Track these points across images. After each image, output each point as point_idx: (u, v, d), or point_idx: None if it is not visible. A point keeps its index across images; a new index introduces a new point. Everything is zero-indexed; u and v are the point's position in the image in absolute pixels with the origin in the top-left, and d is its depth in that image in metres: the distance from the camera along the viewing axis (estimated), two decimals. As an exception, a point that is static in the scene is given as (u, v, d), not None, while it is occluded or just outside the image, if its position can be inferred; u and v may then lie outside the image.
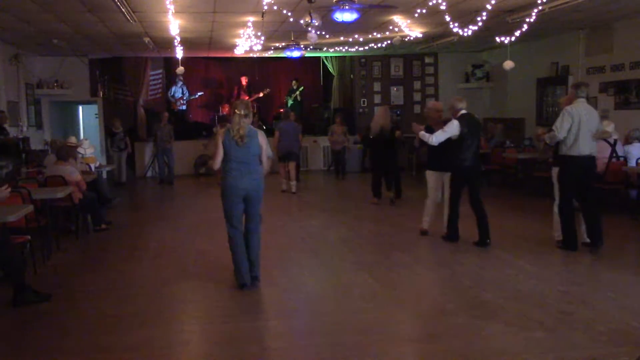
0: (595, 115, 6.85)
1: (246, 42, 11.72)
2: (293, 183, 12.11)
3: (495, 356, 4.03)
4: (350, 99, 17.41)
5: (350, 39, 12.56)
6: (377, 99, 16.63)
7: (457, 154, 7.09)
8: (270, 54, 14.41)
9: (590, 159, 6.74)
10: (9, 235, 5.49)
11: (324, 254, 7.13)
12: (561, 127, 6.59)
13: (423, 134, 7.22)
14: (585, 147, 6.61)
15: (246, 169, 5.51)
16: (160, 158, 14.42)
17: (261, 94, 17.20)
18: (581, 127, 6.56)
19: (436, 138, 7.07)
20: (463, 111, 7.19)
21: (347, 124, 14.93)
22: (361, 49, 14.11)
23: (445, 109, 7.80)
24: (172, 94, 16.68)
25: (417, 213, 9.70)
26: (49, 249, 6.98)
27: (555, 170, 7.03)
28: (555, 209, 7.02)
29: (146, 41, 11.98)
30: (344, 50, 14.94)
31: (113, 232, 8.58)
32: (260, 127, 13.44)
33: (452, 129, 7.05)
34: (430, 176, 7.66)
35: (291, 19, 9.14)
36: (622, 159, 9.14)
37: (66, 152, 8.24)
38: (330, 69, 17.70)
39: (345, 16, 7.65)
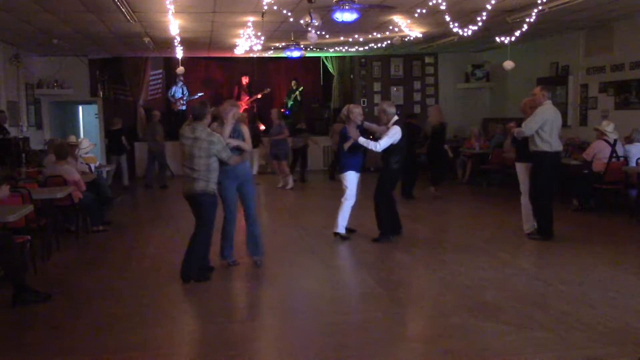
0: (559, 115, 7.43)
1: (246, 42, 11.72)
2: (288, 178, 12.86)
3: (495, 356, 4.03)
4: (350, 99, 17.39)
5: (350, 39, 12.57)
6: (377, 98, 16.62)
7: (391, 157, 7.32)
8: (270, 54, 14.42)
9: (559, 155, 7.50)
10: (10, 235, 5.49)
11: (324, 253, 7.13)
12: (531, 125, 7.15)
13: (366, 141, 7.23)
14: (556, 144, 7.29)
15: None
16: (156, 159, 14.00)
17: (259, 95, 17.22)
18: (553, 126, 7.20)
19: (383, 144, 7.18)
20: (396, 117, 7.46)
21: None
22: (361, 49, 14.12)
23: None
24: (172, 93, 16.66)
25: (416, 213, 9.71)
26: (49, 249, 6.98)
27: (520, 166, 7.55)
28: (523, 201, 7.52)
29: (146, 41, 11.98)
30: (344, 50, 14.93)
31: (113, 232, 8.58)
32: (257, 128, 14.03)
33: (397, 134, 7.25)
34: (353, 178, 7.55)
35: (291, 19, 9.14)
36: (622, 159, 9.14)
37: (65, 151, 8.23)
38: (330, 69, 17.70)
39: (345, 16, 7.66)
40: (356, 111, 7.50)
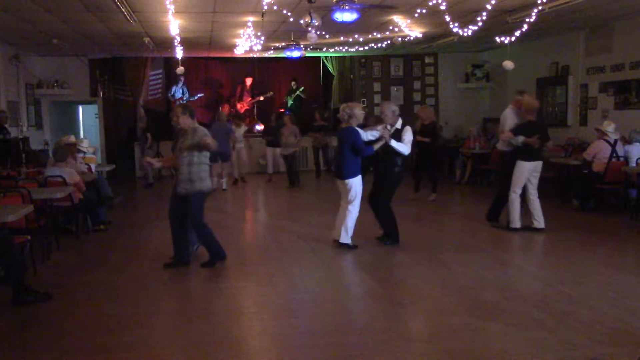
0: (506, 118, 8.03)
1: (246, 42, 11.72)
2: (223, 180, 12.72)
3: (495, 356, 4.03)
4: (350, 99, 17.40)
5: (350, 39, 12.57)
6: (377, 99, 16.63)
7: (396, 160, 7.09)
8: (270, 54, 14.42)
9: (503, 154, 8.17)
10: (10, 235, 5.49)
11: (324, 254, 7.13)
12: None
13: (398, 143, 6.97)
14: (501, 143, 8.17)
15: None
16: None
17: (262, 98, 17.24)
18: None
19: (408, 146, 7.05)
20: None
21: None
22: (361, 49, 14.11)
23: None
24: (172, 93, 16.69)
25: (416, 213, 9.71)
26: (49, 249, 6.98)
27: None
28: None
29: (146, 41, 11.98)
30: (344, 50, 14.93)
31: (113, 232, 8.58)
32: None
33: (411, 135, 7.14)
34: (360, 183, 7.12)
35: (291, 19, 9.14)
36: (622, 159, 9.14)
37: (63, 153, 8.20)
38: (330, 69, 17.69)
39: (345, 16, 7.66)
40: (357, 111, 7.04)
